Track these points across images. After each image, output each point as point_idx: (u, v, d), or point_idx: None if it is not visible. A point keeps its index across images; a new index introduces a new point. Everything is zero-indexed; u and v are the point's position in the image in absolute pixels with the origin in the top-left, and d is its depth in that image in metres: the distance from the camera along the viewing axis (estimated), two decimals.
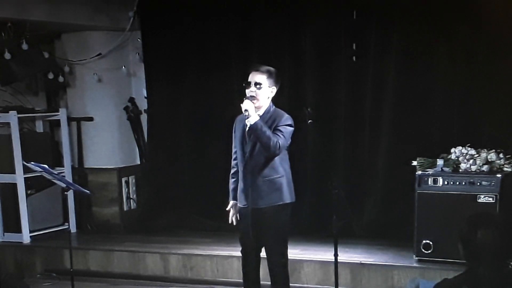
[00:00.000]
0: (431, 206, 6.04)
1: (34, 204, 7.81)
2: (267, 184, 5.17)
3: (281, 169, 5.21)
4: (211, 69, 7.76)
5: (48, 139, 8.27)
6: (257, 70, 5.21)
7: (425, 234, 6.07)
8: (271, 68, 5.27)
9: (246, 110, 5.03)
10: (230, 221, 5.43)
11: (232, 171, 5.42)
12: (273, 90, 5.23)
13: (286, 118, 5.18)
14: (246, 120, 5.04)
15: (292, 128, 5.19)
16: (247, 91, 5.17)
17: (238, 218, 5.38)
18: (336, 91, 7.27)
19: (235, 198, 5.38)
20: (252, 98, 5.11)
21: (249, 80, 5.19)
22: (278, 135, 5.08)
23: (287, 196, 5.24)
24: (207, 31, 7.71)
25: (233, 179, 5.40)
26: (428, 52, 6.84)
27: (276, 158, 5.15)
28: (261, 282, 5.48)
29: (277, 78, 5.26)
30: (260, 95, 5.15)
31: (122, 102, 8.47)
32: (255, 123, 5.01)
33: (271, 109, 5.22)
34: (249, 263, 5.38)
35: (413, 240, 6.16)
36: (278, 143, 5.04)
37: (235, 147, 5.36)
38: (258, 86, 5.14)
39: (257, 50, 7.46)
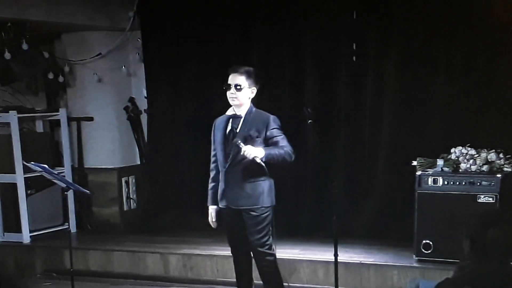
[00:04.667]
0: (431, 206, 6.04)
1: (34, 204, 7.80)
2: (250, 186, 5.16)
3: (264, 172, 5.16)
4: (211, 69, 7.74)
5: (48, 139, 8.26)
6: (235, 71, 5.21)
7: (425, 234, 6.06)
8: (250, 68, 5.27)
9: (251, 154, 4.97)
10: (214, 226, 5.42)
11: (212, 174, 5.39)
12: (253, 90, 5.23)
13: (275, 118, 5.19)
14: (257, 159, 4.98)
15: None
16: (227, 93, 5.19)
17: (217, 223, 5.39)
18: (336, 91, 7.27)
19: (215, 203, 5.34)
20: (233, 100, 5.14)
21: (228, 82, 5.19)
22: (282, 143, 5.10)
23: (268, 199, 5.21)
24: (207, 31, 7.70)
25: (213, 183, 5.37)
26: (428, 52, 6.83)
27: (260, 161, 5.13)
28: (256, 282, 5.49)
29: (257, 78, 5.24)
30: (240, 96, 5.16)
31: (122, 102, 8.46)
32: (265, 156, 5.00)
33: (253, 110, 5.23)
34: (240, 262, 5.40)
35: (413, 240, 6.16)
36: (289, 152, 5.10)
37: (215, 150, 5.34)
38: (238, 88, 5.14)
39: (257, 50, 7.44)
